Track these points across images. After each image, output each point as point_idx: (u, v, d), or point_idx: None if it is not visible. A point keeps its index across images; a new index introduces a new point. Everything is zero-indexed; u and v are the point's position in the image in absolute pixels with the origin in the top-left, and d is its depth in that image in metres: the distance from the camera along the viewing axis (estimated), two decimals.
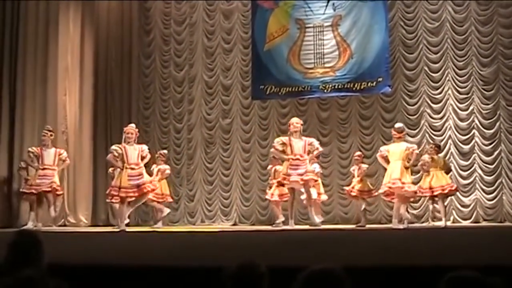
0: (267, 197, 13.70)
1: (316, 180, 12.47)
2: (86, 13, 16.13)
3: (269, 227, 13.77)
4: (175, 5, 16.72)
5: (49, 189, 13.10)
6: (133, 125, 12.71)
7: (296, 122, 12.15)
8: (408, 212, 12.41)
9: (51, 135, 13.58)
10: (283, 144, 11.86)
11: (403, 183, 11.73)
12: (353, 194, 13.35)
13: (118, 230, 11.93)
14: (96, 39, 16.34)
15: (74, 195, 15.49)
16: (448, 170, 12.83)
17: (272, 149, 12.37)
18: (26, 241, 3.99)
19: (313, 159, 12.33)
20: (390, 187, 11.83)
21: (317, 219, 12.21)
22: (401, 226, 11.74)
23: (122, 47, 16.70)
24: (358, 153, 13.90)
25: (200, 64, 16.38)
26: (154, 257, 6.61)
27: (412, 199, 12.95)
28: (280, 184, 12.35)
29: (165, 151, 14.72)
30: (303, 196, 12.23)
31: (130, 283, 5.14)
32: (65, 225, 15.20)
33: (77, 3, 15.96)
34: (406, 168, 11.85)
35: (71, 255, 6.58)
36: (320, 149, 12.32)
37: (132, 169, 11.73)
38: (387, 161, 12.00)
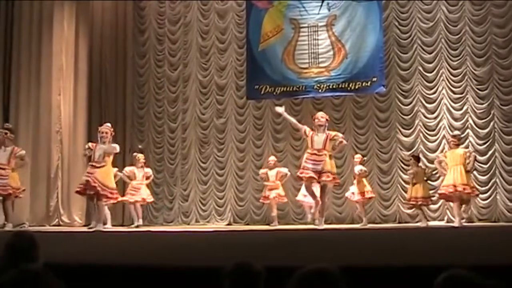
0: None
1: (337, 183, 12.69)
2: (80, 13, 16.11)
3: (264, 227, 13.81)
4: (169, 5, 16.70)
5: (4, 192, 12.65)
6: (108, 124, 12.73)
7: (321, 116, 12.23)
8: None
9: (6, 133, 13.00)
10: (306, 132, 12.10)
11: (471, 187, 12.45)
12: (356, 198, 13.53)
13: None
14: (90, 38, 16.33)
15: (68, 195, 15.46)
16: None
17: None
18: (22, 242, 3.99)
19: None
20: (454, 191, 12.26)
21: (320, 222, 11.95)
22: (457, 225, 12.40)
23: (116, 47, 16.68)
24: (358, 155, 13.98)
25: (194, 64, 16.37)
26: (149, 257, 6.60)
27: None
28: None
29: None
30: (300, 197, 13.26)
31: (125, 283, 5.14)
32: (59, 225, 15.19)
33: (71, 3, 15.95)
34: (468, 172, 12.42)
35: (66, 255, 6.57)
36: (344, 142, 12.34)
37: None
38: (444, 167, 12.73)
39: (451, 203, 13.36)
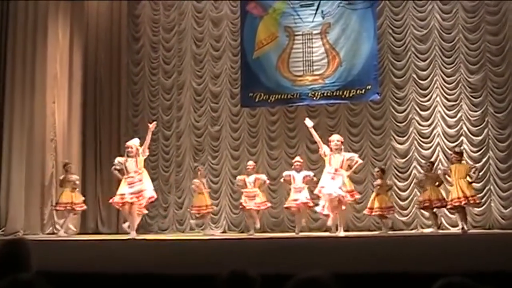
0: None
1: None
2: (75, 21, 16.11)
3: (258, 235, 13.77)
4: (164, 12, 16.71)
5: None
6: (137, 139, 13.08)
7: (337, 139, 12.65)
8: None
9: None
10: (325, 152, 12.59)
11: (473, 197, 12.84)
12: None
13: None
14: (85, 46, 16.33)
15: None
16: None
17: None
18: (15, 250, 3.97)
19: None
20: (467, 202, 12.73)
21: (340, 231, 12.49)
22: (465, 228, 12.85)
23: (111, 55, 16.68)
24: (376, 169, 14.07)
25: (189, 71, 16.37)
26: (143, 265, 6.59)
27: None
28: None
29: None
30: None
31: None
32: (53, 233, 15.15)
33: (66, 11, 15.94)
34: (470, 183, 12.86)
35: (60, 263, 6.55)
36: (360, 161, 12.90)
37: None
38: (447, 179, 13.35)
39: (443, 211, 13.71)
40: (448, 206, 13.23)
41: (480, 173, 14.31)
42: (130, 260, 7.39)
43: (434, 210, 13.47)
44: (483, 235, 13.19)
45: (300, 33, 15.31)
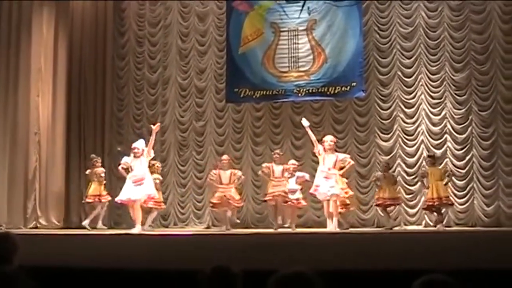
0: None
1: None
2: (60, 14, 16.03)
3: (242, 230, 13.78)
4: (149, 7, 16.65)
5: None
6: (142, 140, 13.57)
7: (330, 140, 13.16)
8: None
9: None
10: (320, 151, 13.11)
11: (447, 198, 13.39)
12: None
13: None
14: (70, 40, 16.24)
15: (46, 197, 15.38)
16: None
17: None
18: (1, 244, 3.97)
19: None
20: (440, 203, 13.27)
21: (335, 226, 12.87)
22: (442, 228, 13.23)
23: (96, 49, 16.59)
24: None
25: (174, 66, 16.33)
26: (126, 259, 6.58)
27: None
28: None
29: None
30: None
31: (102, 285, 5.12)
32: (36, 227, 15.10)
33: (51, 4, 15.86)
34: (445, 185, 13.37)
35: (43, 257, 6.54)
36: (352, 162, 13.47)
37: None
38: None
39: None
40: (423, 206, 13.79)
41: (463, 171, 14.42)
42: (112, 254, 7.38)
43: (388, 208, 13.84)
44: (465, 232, 13.27)
45: (286, 29, 15.30)
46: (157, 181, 14.15)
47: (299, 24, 15.21)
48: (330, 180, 12.83)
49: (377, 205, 13.94)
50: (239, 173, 14.10)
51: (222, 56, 15.90)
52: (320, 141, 13.23)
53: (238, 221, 14.23)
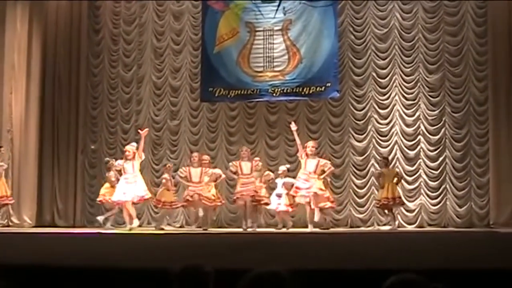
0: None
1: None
2: (35, 11, 15.92)
3: (216, 230, 13.78)
4: (125, 5, 16.57)
5: None
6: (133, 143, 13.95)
7: (312, 145, 13.55)
8: None
9: None
10: (302, 155, 13.47)
11: (399, 198, 13.70)
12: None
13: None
14: (44, 37, 16.12)
15: (18, 195, 15.26)
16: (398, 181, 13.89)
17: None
18: None
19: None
20: (394, 202, 13.56)
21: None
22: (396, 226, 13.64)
23: (70, 46, 16.46)
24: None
25: (149, 65, 16.27)
26: (99, 258, 6.56)
27: None
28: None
29: None
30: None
31: (74, 284, 5.09)
32: (8, 226, 14.99)
33: (25, 1, 15.76)
34: (397, 185, 13.65)
35: (14, 256, 6.49)
36: (332, 168, 13.85)
37: None
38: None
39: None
40: (377, 205, 14.02)
41: (436, 172, 14.53)
42: (85, 253, 7.34)
43: (393, 208, 13.91)
44: (438, 233, 13.37)
45: (261, 29, 15.31)
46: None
47: (274, 24, 15.23)
48: (309, 182, 13.21)
49: (379, 206, 13.91)
50: (217, 171, 14.09)
51: (197, 55, 15.86)
52: (303, 145, 13.54)
53: (214, 218, 14.25)
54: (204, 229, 13.64)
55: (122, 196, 13.61)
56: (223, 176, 14.22)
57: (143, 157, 13.85)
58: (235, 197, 13.88)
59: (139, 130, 14.22)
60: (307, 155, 13.40)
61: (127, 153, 13.71)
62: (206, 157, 14.41)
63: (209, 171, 14.00)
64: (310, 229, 13.21)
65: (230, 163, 14.11)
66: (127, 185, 13.62)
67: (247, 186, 13.54)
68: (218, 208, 14.76)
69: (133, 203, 13.85)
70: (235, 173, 13.84)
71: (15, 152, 15.37)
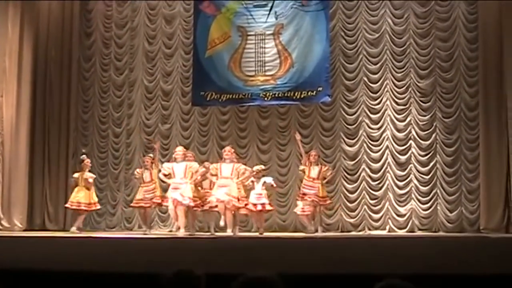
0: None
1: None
2: (26, 14, 15.88)
3: (206, 234, 13.76)
4: (116, 8, 16.57)
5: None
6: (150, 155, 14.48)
7: (314, 154, 13.86)
8: None
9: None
10: (306, 163, 13.79)
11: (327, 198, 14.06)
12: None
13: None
14: (35, 40, 16.08)
15: (9, 199, 15.22)
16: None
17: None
18: None
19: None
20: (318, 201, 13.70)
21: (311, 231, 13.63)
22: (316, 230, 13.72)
23: (62, 49, 16.44)
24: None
25: (140, 69, 16.26)
26: (90, 262, 6.55)
27: None
28: None
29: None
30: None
31: None
32: None
33: (16, 4, 15.72)
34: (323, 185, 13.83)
35: (5, 260, 6.47)
36: (333, 173, 14.48)
37: None
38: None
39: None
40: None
41: (427, 177, 14.56)
42: (76, 257, 7.33)
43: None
44: (428, 238, 13.40)
45: (253, 33, 15.32)
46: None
47: (266, 28, 15.24)
48: (314, 188, 13.48)
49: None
50: (195, 165, 13.66)
51: (189, 59, 15.87)
52: (307, 153, 13.83)
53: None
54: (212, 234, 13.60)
55: (141, 203, 14.14)
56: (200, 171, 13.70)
57: (160, 167, 14.11)
58: (211, 204, 13.34)
59: (154, 143, 14.84)
60: (310, 163, 13.64)
61: (145, 162, 14.25)
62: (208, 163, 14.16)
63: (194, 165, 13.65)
64: (320, 232, 13.58)
65: (211, 165, 13.83)
66: (146, 193, 14.07)
67: (222, 189, 12.99)
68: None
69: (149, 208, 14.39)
70: (214, 175, 13.40)
71: (6, 156, 15.32)
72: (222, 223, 13.07)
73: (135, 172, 14.60)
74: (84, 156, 14.91)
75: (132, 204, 14.65)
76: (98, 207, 14.87)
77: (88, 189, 14.50)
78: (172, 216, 13.80)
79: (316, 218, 13.79)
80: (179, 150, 13.85)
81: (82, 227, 14.66)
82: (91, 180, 14.52)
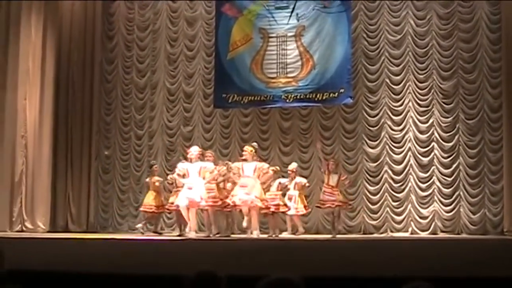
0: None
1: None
2: (49, 17, 15.97)
3: (231, 236, 13.73)
4: (138, 11, 16.62)
5: None
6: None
7: (332, 162, 13.76)
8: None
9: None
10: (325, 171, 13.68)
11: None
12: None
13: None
14: (58, 43, 16.17)
15: (32, 200, 15.30)
16: None
17: None
18: None
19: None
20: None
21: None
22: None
23: (84, 52, 16.51)
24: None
25: (162, 71, 16.31)
26: (113, 264, 6.57)
27: None
28: None
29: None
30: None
31: None
32: (22, 231, 15.04)
33: (40, 7, 15.80)
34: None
35: (28, 261, 6.52)
36: (351, 181, 14.35)
37: None
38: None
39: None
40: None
41: (450, 179, 14.48)
42: (98, 259, 7.36)
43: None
44: (451, 240, 13.32)
45: (275, 35, 15.31)
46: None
47: (287, 30, 15.23)
48: (334, 195, 13.41)
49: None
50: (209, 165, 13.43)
51: (210, 61, 15.89)
52: (326, 161, 13.81)
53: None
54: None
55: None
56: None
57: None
58: (237, 203, 13.04)
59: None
60: (329, 171, 13.52)
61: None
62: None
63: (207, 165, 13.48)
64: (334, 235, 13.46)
65: (233, 164, 13.49)
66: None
67: (245, 189, 12.83)
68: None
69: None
70: (237, 175, 13.20)
71: (29, 158, 15.41)
72: (245, 224, 12.94)
73: (168, 178, 14.33)
74: (154, 161, 15.10)
75: (169, 208, 14.20)
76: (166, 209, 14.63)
77: (157, 192, 14.52)
78: (185, 216, 13.22)
79: (336, 224, 13.66)
80: (194, 150, 13.55)
81: (145, 229, 14.64)
82: (157, 184, 14.52)
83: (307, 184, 13.95)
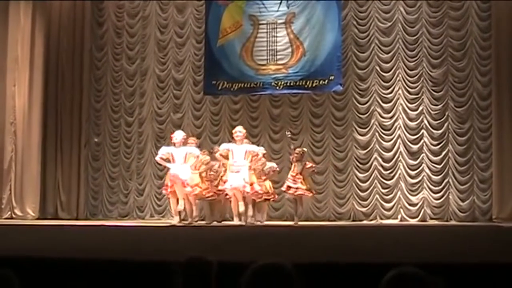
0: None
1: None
2: (38, 4, 15.91)
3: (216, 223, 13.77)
4: None
5: None
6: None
7: (296, 152, 13.60)
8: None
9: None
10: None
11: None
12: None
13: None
14: (47, 30, 16.11)
15: (21, 187, 15.30)
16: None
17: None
18: None
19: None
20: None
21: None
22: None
23: (74, 39, 16.46)
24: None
25: (152, 58, 16.27)
26: (102, 251, 6.58)
27: None
28: None
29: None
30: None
31: (78, 276, 5.11)
32: (11, 218, 15.03)
33: None
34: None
35: (17, 248, 6.52)
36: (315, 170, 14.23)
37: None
38: None
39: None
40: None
41: (439, 166, 14.54)
42: (88, 245, 7.37)
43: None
44: (440, 227, 13.40)
45: (265, 22, 15.30)
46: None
47: (278, 17, 15.21)
48: (296, 183, 13.36)
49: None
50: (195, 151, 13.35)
51: (200, 48, 15.87)
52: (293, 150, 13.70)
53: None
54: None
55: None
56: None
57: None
58: (224, 187, 13.13)
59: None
60: (294, 159, 13.51)
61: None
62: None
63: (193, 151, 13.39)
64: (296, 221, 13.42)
65: (221, 146, 13.51)
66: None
67: (238, 175, 12.71)
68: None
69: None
70: (224, 157, 13.09)
71: (18, 145, 15.39)
72: (241, 209, 12.82)
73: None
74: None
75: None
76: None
77: None
78: (172, 202, 13.28)
79: (298, 211, 13.58)
80: (179, 135, 13.34)
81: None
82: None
83: (277, 169, 13.88)
